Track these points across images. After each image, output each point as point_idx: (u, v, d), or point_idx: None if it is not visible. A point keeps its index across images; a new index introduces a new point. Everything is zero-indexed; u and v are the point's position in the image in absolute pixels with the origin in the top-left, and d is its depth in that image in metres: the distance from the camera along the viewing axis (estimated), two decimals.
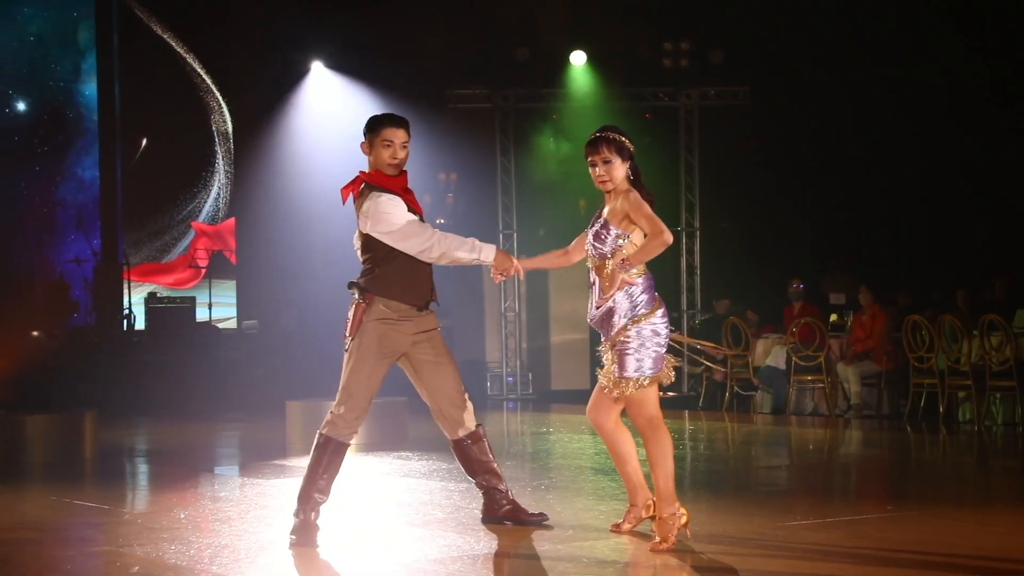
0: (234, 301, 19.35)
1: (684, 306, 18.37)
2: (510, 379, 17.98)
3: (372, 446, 11.38)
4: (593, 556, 6.26)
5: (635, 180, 6.59)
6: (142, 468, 11.03)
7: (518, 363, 18.03)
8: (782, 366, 15.01)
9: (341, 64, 18.69)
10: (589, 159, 6.62)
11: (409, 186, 6.83)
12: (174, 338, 17.13)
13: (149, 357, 16.38)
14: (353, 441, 6.81)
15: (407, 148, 6.76)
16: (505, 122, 18.32)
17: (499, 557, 6.26)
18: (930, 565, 6.09)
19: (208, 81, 19.10)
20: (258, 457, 10.98)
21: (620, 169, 6.56)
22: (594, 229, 6.62)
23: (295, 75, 18.81)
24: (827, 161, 17.94)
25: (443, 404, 6.98)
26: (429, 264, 6.84)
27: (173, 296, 18.73)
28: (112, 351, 16.66)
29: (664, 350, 6.50)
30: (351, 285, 6.78)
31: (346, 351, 6.78)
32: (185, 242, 19.62)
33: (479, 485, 7.06)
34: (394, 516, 7.62)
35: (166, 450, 12.29)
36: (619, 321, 6.45)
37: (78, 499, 8.56)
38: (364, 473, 9.74)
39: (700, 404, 16.04)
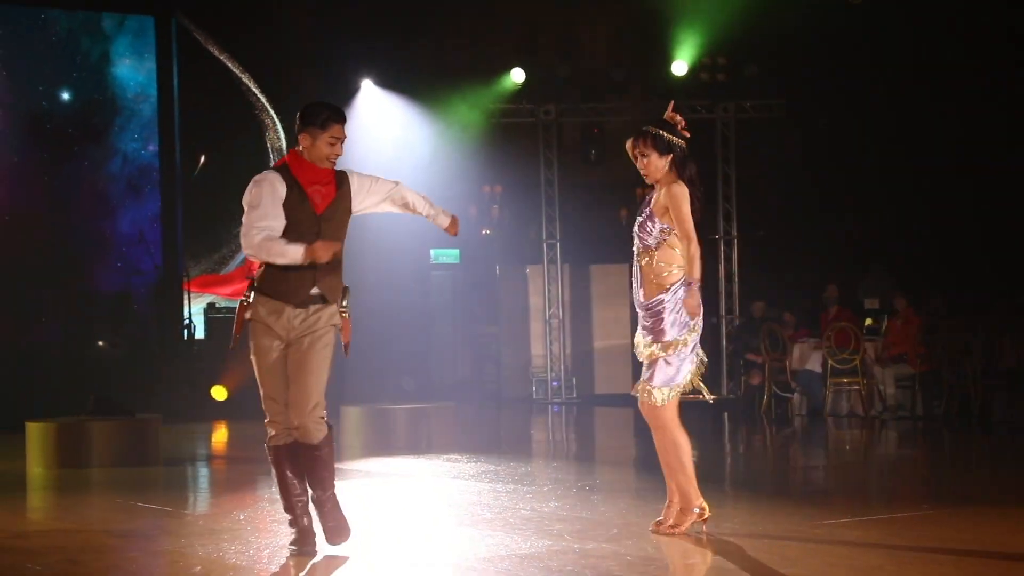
0: None
1: (723, 311, 18.29)
2: (555, 383, 17.94)
3: (423, 449, 11.39)
4: (637, 554, 6.23)
5: (683, 174, 6.54)
6: (203, 471, 11.08)
7: (562, 368, 18.00)
8: (819, 369, 14.92)
9: (389, 82, 18.74)
10: (631, 152, 6.62)
11: (333, 179, 6.36)
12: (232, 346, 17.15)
13: (208, 365, 16.45)
14: (289, 439, 6.35)
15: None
16: (548, 136, 18.31)
17: (546, 555, 6.23)
18: (966, 564, 6.03)
19: (263, 100, 19.19)
20: None
21: (658, 162, 6.53)
22: (640, 219, 6.64)
23: (346, 93, 18.86)
24: (860, 170, 17.83)
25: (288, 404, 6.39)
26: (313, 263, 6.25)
27: (231, 306, 18.79)
28: (174, 359, 16.76)
29: (693, 368, 6.64)
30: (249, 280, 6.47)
31: (231, 348, 6.57)
32: (241, 255, 19.70)
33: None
34: (445, 516, 7.61)
35: (225, 454, 12.34)
36: (669, 333, 6.54)
37: (143, 501, 8.59)
38: (416, 475, 9.75)
39: (739, 407, 15.95)
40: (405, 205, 6.73)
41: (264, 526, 7.10)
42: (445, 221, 6.85)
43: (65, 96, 17.83)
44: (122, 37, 18.33)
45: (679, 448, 6.62)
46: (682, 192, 6.45)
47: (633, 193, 20.16)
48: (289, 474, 6.35)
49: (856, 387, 14.61)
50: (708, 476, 9.46)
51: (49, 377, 15.04)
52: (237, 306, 6.40)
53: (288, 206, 6.26)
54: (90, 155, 17.71)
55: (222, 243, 19.26)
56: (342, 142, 6.37)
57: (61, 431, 10.75)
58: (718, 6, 17.20)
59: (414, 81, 18.45)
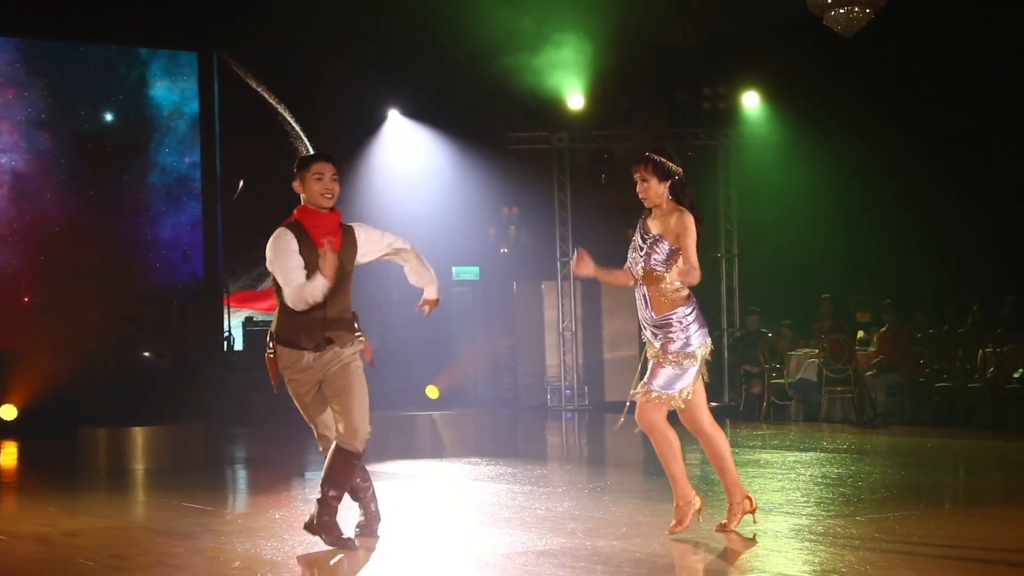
0: None
1: (724, 324, 18.28)
2: (568, 391, 17.93)
3: (443, 453, 11.38)
4: (645, 551, 6.21)
5: (681, 200, 6.48)
6: (241, 474, 11.09)
7: (575, 377, 17.98)
8: (814, 378, 14.89)
9: (414, 112, 18.78)
10: (634, 176, 6.57)
11: (340, 226, 6.40)
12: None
13: (247, 374, 16.48)
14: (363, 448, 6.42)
15: (337, 182, 6.35)
16: (561, 161, 18.33)
17: (560, 552, 6.22)
18: (951, 557, 6.00)
19: (297, 129, 19.25)
20: None
21: (657, 187, 6.48)
22: (644, 246, 6.53)
23: (374, 122, 18.92)
24: (852, 191, 17.78)
25: (337, 419, 6.44)
26: (323, 306, 6.26)
27: (267, 320, 18.84)
28: (214, 369, 16.80)
29: (694, 377, 6.50)
30: (269, 332, 6.41)
31: (277, 394, 6.53)
32: None
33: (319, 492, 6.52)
34: (466, 516, 7.60)
35: (262, 457, 12.35)
36: (674, 348, 6.44)
37: (185, 501, 8.60)
38: (438, 477, 9.74)
39: (740, 413, 15.92)
40: (407, 262, 6.82)
41: (298, 525, 7.10)
42: (432, 294, 6.86)
43: (108, 117, 18.18)
44: (157, 61, 18.67)
45: (671, 444, 6.53)
46: (688, 222, 6.39)
47: (639, 214, 20.19)
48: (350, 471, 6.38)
49: (849, 395, 14.57)
50: (707, 479, 9.45)
51: (99, 384, 15.06)
52: (266, 360, 6.39)
53: (302, 256, 6.23)
54: (131, 169, 18.02)
55: (259, 261, 19.29)
56: (330, 177, 6.30)
57: (110, 436, 10.78)
58: (720, 38, 17.22)
59: (437, 110, 18.49)
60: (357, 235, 6.48)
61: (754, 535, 6.51)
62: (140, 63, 18.66)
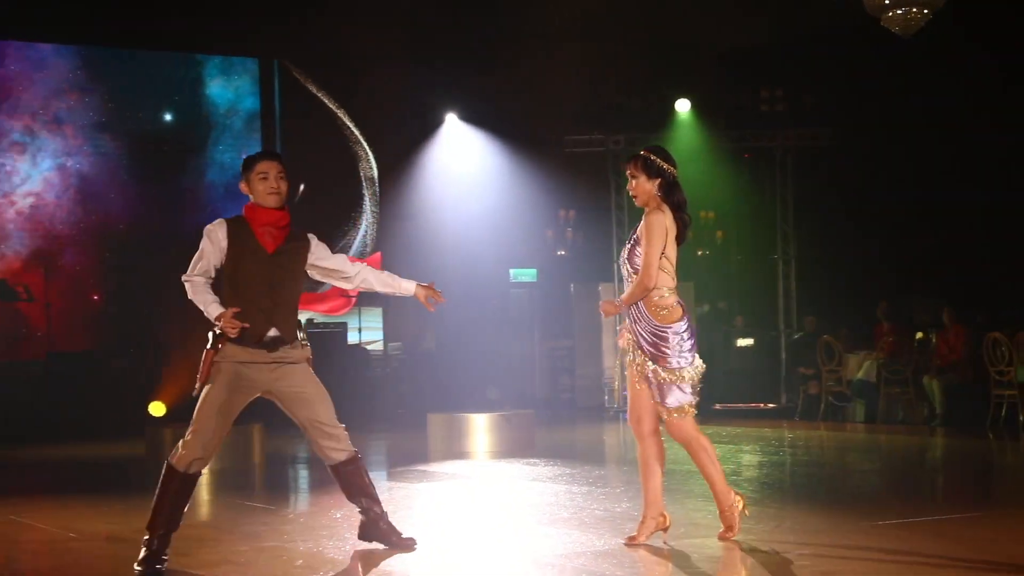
0: (380, 326, 19.55)
1: (781, 326, 18.18)
2: (625, 393, 17.85)
3: (503, 454, 11.41)
4: (702, 552, 6.20)
5: (670, 199, 6.29)
6: (303, 473, 11.17)
7: None
8: (873, 379, 14.77)
9: (471, 116, 18.85)
10: (626, 173, 6.44)
11: (288, 225, 6.21)
12: (328, 359, 17.32)
13: None
14: (205, 471, 6.21)
15: (284, 179, 6.19)
16: (617, 163, 18.30)
17: (619, 552, 6.22)
18: (1006, 564, 5.94)
19: (356, 133, 19.38)
20: (403, 463, 11.06)
21: (645, 185, 6.30)
22: (628, 246, 6.40)
23: (432, 126, 19.01)
24: (911, 192, 17.63)
25: (314, 434, 6.29)
26: (270, 300, 6.09)
27: (327, 322, 18.99)
28: None
29: (694, 381, 6.39)
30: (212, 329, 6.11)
31: (194, 395, 6.14)
32: None
33: (357, 506, 6.46)
34: (524, 516, 7.62)
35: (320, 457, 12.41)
36: (671, 364, 6.32)
37: (248, 500, 8.68)
38: (497, 478, 9.77)
39: (797, 415, 15.83)
40: (366, 283, 6.53)
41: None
42: (410, 289, 6.56)
43: (167, 117, 18.52)
44: (212, 61, 18.99)
45: (706, 451, 6.46)
46: (657, 222, 6.19)
47: (696, 216, 20.10)
48: (172, 499, 6.06)
49: (908, 396, 14.44)
50: (766, 481, 9.40)
51: (165, 381, 15.21)
52: (204, 354, 6.08)
53: (236, 247, 6.10)
54: (191, 166, 18.28)
55: None
56: (275, 175, 6.16)
57: (176, 435, 10.88)
58: (777, 41, 17.13)
59: (494, 114, 18.55)
60: (311, 241, 6.32)
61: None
62: (196, 63, 18.98)
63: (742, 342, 18.28)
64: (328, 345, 17.86)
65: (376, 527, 6.41)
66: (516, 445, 11.69)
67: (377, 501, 6.44)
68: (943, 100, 17.10)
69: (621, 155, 18.26)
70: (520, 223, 18.92)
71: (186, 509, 6.11)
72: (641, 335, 6.37)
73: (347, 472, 6.34)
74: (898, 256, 18.35)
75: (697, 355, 6.42)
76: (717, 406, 17.49)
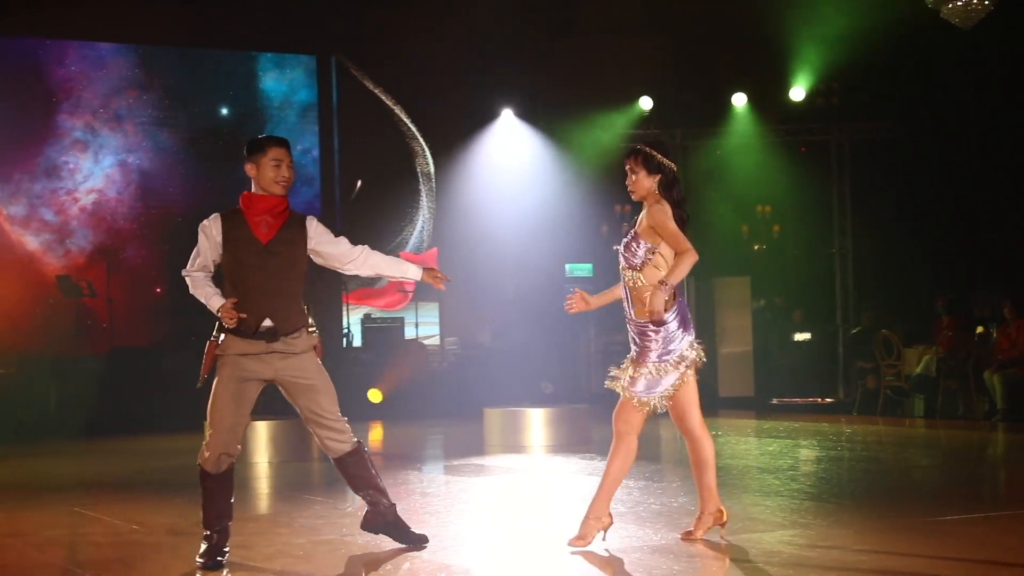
0: (437, 320, 19.60)
1: (839, 321, 18.03)
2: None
3: (559, 448, 11.40)
4: (760, 547, 6.15)
5: (668, 195, 6.18)
6: None
7: None
8: (932, 374, 14.61)
9: (528, 112, 18.81)
10: (625, 168, 6.34)
11: (286, 210, 6.09)
12: (386, 353, 17.43)
13: (365, 370, 16.67)
14: (224, 468, 6.04)
15: (293, 169, 6.09)
16: (674, 158, 18.19)
17: (675, 547, 6.19)
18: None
19: (413, 129, 19.43)
20: (460, 457, 11.08)
21: (645, 181, 6.20)
22: (625, 240, 6.30)
23: (487, 120, 19.00)
24: (969, 185, 17.41)
25: (315, 425, 6.19)
26: (263, 294, 5.98)
27: (385, 317, 19.07)
28: (333, 365, 17.01)
29: (676, 379, 6.24)
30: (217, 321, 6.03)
31: (199, 387, 6.12)
32: None
33: (364, 499, 6.35)
34: (580, 511, 7.59)
35: (380, 450, 12.47)
36: (651, 354, 6.19)
37: (306, 494, 8.73)
38: (552, 472, 9.75)
39: (855, 410, 15.68)
40: (374, 267, 6.32)
41: (417, 517, 7.16)
42: (417, 273, 6.38)
43: (223, 111, 18.75)
44: (265, 54, 19.15)
45: (630, 457, 6.27)
46: (664, 210, 6.10)
47: (753, 210, 19.96)
48: (214, 495, 6.02)
49: (967, 391, 14.26)
50: (824, 476, 9.31)
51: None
52: (207, 345, 6.03)
53: (230, 240, 6.02)
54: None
55: None
56: (287, 164, 6.06)
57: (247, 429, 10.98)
58: (832, 34, 16.97)
59: (551, 109, 18.51)
60: (309, 226, 6.14)
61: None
62: (250, 58, 19.16)
63: (799, 336, 18.14)
64: (385, 339, 17.96)
65: (383, 519, 6.33)
66: (572, 439, 11.67)
67: (384, 493, 6.34)
68: (1004, 92, 16.86)
69: (677, 150, 18.18)
70: (575, 218, 18.87)
71: (233, 500, 6.10)
72: (633, 333, 6.28)
73: (351, 464, 6.26)
74: (958, 250, 18.12)
75: (693, 342, 6.24)
76: (775, 401, 17.37)
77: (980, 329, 15.25)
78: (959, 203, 17.56)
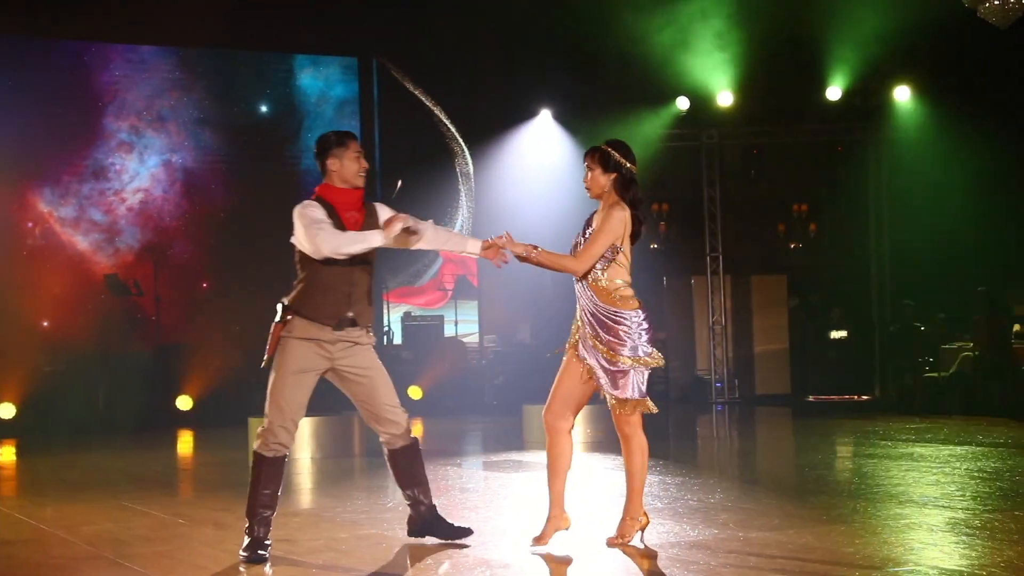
0: (476, 318, 19.65)
1: (876, 318, 17.96)
2: (718, 385, 17.77)
3: (596, 445, 11.40)
4: (798, 542, 6.13)
5: (625, 195, 6.08)
6: None
7: (725, 370, 17.82)
8: (970, 371, 14.49)
9: (566, 110, 18.78)
10: (584, 165, 6.23)
11: (362, 201, 6.18)
12: (426, 350, 17.48)
13: (406, 367, 16.72)
14: (285, 454, 6.10)
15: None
16: (711, 157, 18.17)
17: (712, 542, 6.18)
18: None
19: (452, 129, 19.48)
20: (499, 453, 11.10)
21: (600, 178, 6.10)
22: (583, 234, 6.19)
23: (525, 119, 18.99)
24: (1007, 182, 17.25)
25: (374, 417, 6.28)
26: (349, 284, 6.07)
27: (425, 315, 19.14)
28: None
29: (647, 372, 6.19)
30: (281, 303, 6.08)
31: (263, 367, 6.14)
32: (434, 268, 20.03)
33: (406, 498, 6.39)
34: (617, 506, 7.59)
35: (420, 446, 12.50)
36: (626, 352, 6.08)
37: (348, 489, 8.77)
38: (591, 468, 9.76)
39: (893, 407, 15.58)
40: (439, 243, 6.38)
41: (456, 513, 7.19)
42: (476, 247, 6.33)
43: (263, 109, 19.02)
44: (300, 52, 19.41)
45: (645, 453, 6.24)
46: (619, 218, 6.00)
47: (791, 209, 19.88)
48: (264, 485, 6.06)
49: (1006, 388, 14.14)
50: (863, 472, 9.27)
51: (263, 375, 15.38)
52: (273, 325, 6.05)
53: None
54: (286, 155, 18.76)
55: (416, 258, 19.62)
56: (363, 156, 6.21)
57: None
58: (868, 33, 16.87)
59: (588, 108, 18.48)
60: (381, 213, 6.23)
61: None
62: (287, 56, 19.36)
63: (836, 334, 18.05)
64: (425, 336, 18.02)
65: (423, 520, 6.36)
66: (610, 436, 11.64)
67: (428, 492, 6.37)
68: None
69: (715, 149, 18.14)
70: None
71: (280, 492, 6.14)
72: (596, 324, 6.10)
73: (405, 459, 6.33)
74: (995, 248, 17.97)
75: (655, 350, 6.21)
76: (811, 398, 17.30)
77: (1017, 327, 15.11)
78: (996, 200, 17.41)
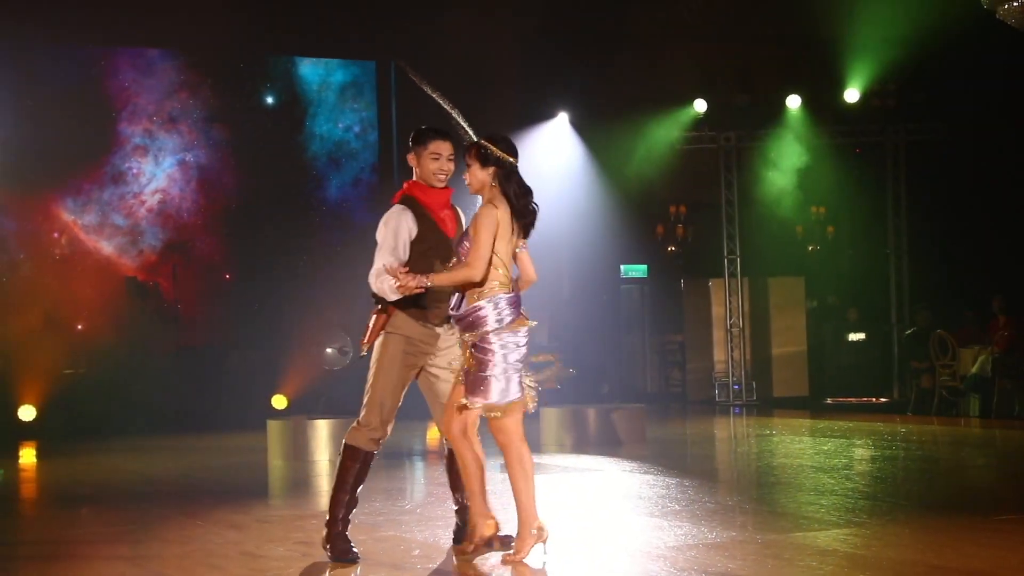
0: None
1: (893, 320, 17.86)
2: (736, 387, 17.72)
3: (614, 446, 11.36)
4: (814, 544, 6.10)
5: (506, 188, 5.85)
6: (419, 464, 11.25)
7: (743, 373, 17.76)
8: (988, 374, 14.42)
9: (585, 113, 18.74)
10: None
11: (452, 203, 6.11)
12: None
13: None
14: (378, 450, 6.11)
15: (453, 161, 6.10)
16: (728, 160, 18.12)
17: (730, 545, 6.15)
18: None
19: (471, 133, 19.47)
20: None
21: (479, 174, 5.87)
22: (465, 240, 5.94)
23: (541, 121, 18.96)
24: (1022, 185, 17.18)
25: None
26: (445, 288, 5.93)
27: None
28: None
29: (521, 370, 5.88)
30: (374, 296, 5.92)
31: (362, 356, 6.07)
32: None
33: (456, 501, 6.30)
34: (635, 507, 7.58)
35: (436, 448, 12.50)
36: (486, 326, 5.79)
37: (367, 492, 8.74)
38: (609, 470, 9.73)
39: (910, 409, 15.51)
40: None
41: None
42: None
43: (268, 100, 19.33)
44: (321, 56, 19.66)
45: (523, 462, 5.88)
46: (487, 216, 5.74)
47: (807, 211, 19.80)
48: (353, 478, 6.07)
49: (1023, 391, 14.07)
50: (879, 476, 9.23)
51: (286, 377, 15.37)
52: (374, 316, 5.97)
53: (423, 234, 5.96)
54: (294, 141, 19.07)
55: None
56: (447, 157, 6.08)
57: (296, 428, 11.08)
58: (886, 36, 16.81)
59: (606, 111, 18.45)
60: (460, 216, 6.18)
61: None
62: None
63: (854, 336, 17.98)
64: None
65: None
66: (628, 438, 11.63)
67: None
68: None
69: (732, 152, 18.10)
70: (631, 219, 18.83)
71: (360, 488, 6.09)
72: (464, 323, 5.85)
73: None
74: (1013, 249, 17.88)
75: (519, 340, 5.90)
76: (829, 400, 17.24)
77: None
78: (1014, 202, 17.33)
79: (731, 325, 17.84)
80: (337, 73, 19.73)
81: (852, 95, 17.72)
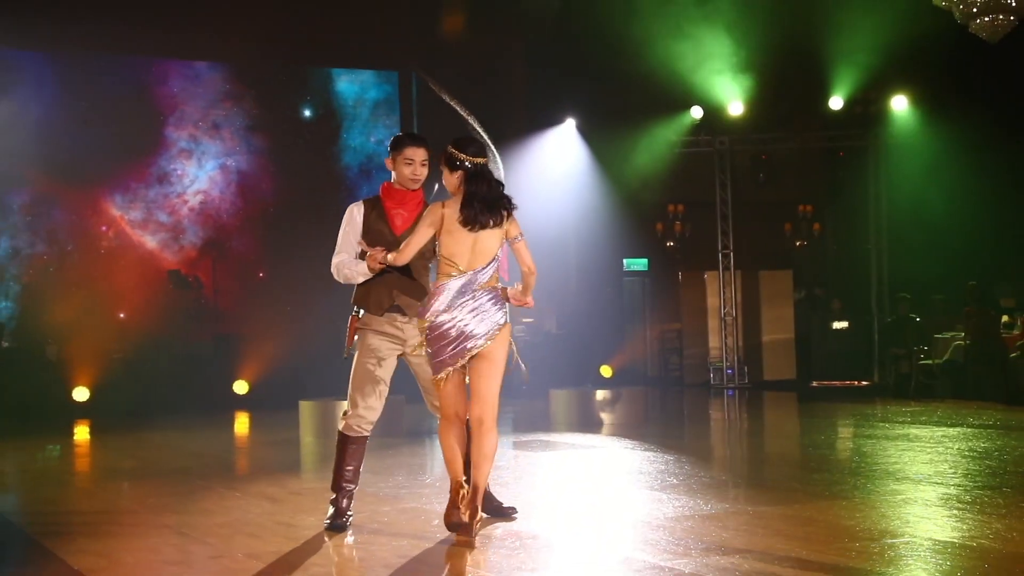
0: (507, 310, 19.67)
1: (875, 310, 17.84)
2: (729, 371, 17.71)
3: (617, 426, 11.38)
4: (801, 515, 6.11)
5: (472, 188, 5.81)
6: (437, 442, 11.27)
7: (736, 358, 17.75)
8: (960, 359, 14.38)
9: (588, 120, 18.71)
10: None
11: (421, 202, 6.12)
12: None
13: None
14: (365, 434, 6.16)
15: (427, 166, 6.08)
16: (723, 162, 18.10)
17: (724, 516, 6.17)
18: None
19: (486, 138, 19.46)
20: (527, 433, 11.10)
21: (449, 177, 5.83)
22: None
23: (549, 125, 18.95)
24: (997, 187, 17.11)
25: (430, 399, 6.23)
26: (394, 276, 5.98)
27: None
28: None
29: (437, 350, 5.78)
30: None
31: (345, 357, 6.13)
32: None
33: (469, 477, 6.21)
34: (636, 482, 7.60)
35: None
36: (427, 314, 5.75)
37: (390, 467, 8.79)
38: (612, 448, 9.75)
39: (889, 392, 15.50)
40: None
41: (493, 487, 7.18)
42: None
43: (306, 113, 19.34)
44: (347, 67, 19.67)
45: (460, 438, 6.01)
46: (428, 212, 5.74)
47: (796, 210, 19.78)
48: (347, 462, 6.13)
49: (994, 375, 14.03)
50: (863, 452, 9.23)
51: (316, 360, 15.33)
52: (350, 320, 6.08)
53: (367, 226, 6.04)
54: (329, 153, 19.10)
55: None
56: (420, 163, 6.04)
57: (326, 408, 11.11)
58: (868, 46, 16.75)
59: (610, 117, 18.43)
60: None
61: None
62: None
63: (838, 325, 17.95)
64: None
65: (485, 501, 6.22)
66: (630, 418, 11.66)
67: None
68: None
69: (726, 154, 18.06)
70: (633, 217, 18.83)
71: (361, 468, 6.21)
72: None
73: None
74: (984, 246, 17.85)
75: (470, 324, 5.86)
76: (815, 384, 17.22)
77: (1005, 318, 14.99)
78: (985, 202, 17.29)
79: (725, 314, 17.83)
80: (372, 90, 19.72)
81: (836, 102, 17.68)
